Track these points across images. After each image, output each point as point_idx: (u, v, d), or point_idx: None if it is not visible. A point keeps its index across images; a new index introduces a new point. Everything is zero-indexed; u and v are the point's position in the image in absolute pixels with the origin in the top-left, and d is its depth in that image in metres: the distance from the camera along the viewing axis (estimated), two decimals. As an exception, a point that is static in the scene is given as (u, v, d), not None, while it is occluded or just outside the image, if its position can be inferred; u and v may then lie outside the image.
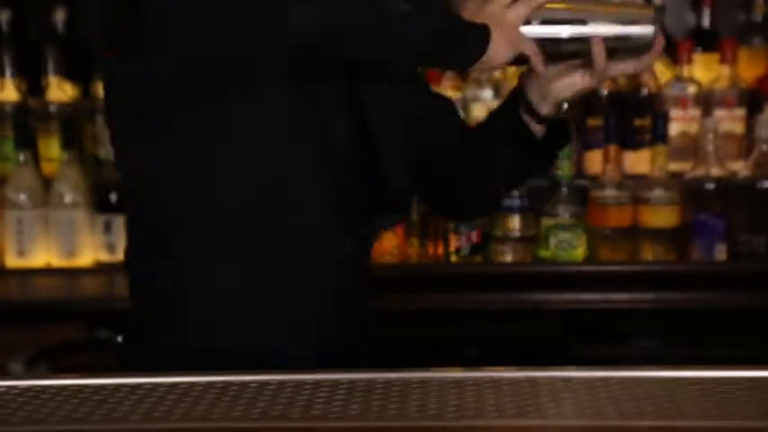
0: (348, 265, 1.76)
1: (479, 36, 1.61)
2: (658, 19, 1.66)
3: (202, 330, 1.67)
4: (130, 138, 1.71)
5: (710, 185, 2.75)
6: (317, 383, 1.31)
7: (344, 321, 1.76)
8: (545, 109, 1.74)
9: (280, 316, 1.70)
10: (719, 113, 2.89)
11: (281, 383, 1.32)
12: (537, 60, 1.64)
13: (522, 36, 1.62)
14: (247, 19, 1.58)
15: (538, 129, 1.76)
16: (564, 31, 1.63)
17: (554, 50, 1.65)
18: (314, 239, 1.72)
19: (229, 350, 1.64)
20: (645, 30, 1.63)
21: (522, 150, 1.78)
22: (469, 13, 1.64)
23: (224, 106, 1.62)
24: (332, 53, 1.62)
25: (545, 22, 1.63)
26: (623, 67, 1.69)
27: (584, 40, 1.62)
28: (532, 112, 1.74)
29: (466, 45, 1.63)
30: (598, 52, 1.63)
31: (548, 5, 1.63)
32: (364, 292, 1.81)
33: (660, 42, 1.65)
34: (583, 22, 1.63)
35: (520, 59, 1.64)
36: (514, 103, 1.76)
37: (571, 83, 1.71)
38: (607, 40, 1.62)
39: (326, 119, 1.68)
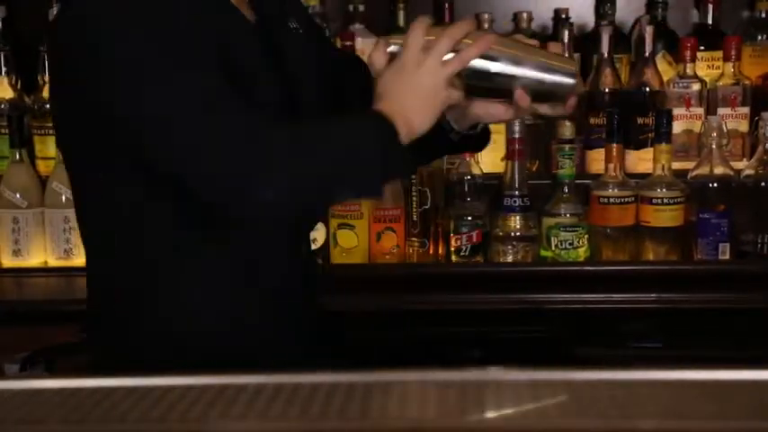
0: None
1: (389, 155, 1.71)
2: (578, 74, 1.86)
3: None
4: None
5: (714, 184, 2.73)
6: (316, 385, 1.30)
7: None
8: (460, 127, 1.89)
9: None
10: (723, 112, 2.88)
11: (279, 386, 1.30)
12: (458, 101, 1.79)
13: (444, 95, 1.74)
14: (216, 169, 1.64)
15: (453, 135, 1.91)
16: (495, 66, 1.76)
17: (481, 83, 1.78)
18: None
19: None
20: (566, 80, 1.78)
21: (433, 146, 1.90)
22: (395, 73, 1.75)
23: None
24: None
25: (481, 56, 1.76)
26: (539, 109, 1.83)
27: (511, 79, 1.77)
28: (449, 125, 1.89)
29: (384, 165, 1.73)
30: (521, 95, 1.77)
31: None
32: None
33: (575, 98, 1.82)
34: (514, 62, 1.76)
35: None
36: None
37: (489, 113, 1.85)
38: (531, 82, 1.77)
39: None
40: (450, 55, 1.74)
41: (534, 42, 1.85)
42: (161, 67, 1.63)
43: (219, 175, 1.63)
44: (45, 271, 2.85)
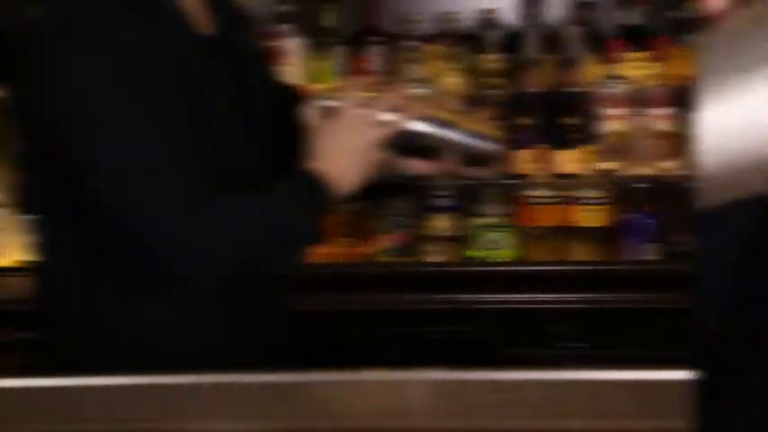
0: None
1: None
2: (502, 142, 1.90)
3: None
4: None
5: (642, 185, 2.74)
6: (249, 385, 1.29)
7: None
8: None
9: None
10: (651, 112, 2.89)
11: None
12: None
13: (376, 157, 1.78)
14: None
15: None
16: (426, 130, 1.81)
17: (410, 144, 1.83)
18: None
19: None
20: (490, 146, 1.85)
21: None
22: (330, 132, 1.77)
23: None
24: None
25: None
26: (463, 171, 1.89)
27: (440, 143, 1.83)
28: None
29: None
30: (449, 160, 1.83)
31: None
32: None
33: (496, 162, 1.89)
34: (445, 128, 1.82)
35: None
36: None
37: (411, 168, 1.89)
38: (459, 147, 1.84)
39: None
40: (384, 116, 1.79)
41: (460, 107, 1.91)
42: (122, 109, 1.61)
43: (162, 232, 1.60)
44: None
